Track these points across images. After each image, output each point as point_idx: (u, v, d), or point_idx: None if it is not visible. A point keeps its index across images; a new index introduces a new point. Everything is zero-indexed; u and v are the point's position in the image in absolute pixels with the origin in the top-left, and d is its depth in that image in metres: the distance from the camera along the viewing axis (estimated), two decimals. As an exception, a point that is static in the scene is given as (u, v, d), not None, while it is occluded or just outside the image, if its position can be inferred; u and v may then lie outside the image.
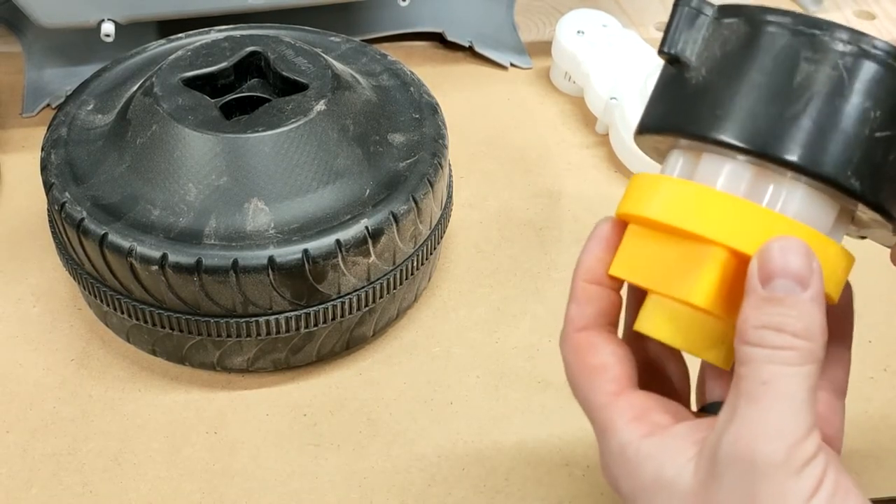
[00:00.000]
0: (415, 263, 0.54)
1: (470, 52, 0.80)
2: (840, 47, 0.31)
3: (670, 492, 0.31)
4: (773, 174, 0.32)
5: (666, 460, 0.31)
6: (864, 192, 0.31)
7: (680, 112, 0.33)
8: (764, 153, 0.31)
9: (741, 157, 0.32)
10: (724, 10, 0.33)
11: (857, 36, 0.31)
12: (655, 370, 0.38)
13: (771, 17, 0.31)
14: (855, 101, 0.30)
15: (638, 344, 0.37)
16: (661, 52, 0.34)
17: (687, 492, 0.31)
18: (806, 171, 0.31)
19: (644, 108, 0.36)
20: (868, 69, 0.30)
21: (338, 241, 0.48)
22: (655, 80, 0.35)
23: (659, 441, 0.32)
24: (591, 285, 0.35)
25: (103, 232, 0.48)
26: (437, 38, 0.82)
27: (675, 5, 0.33)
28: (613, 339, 0.35)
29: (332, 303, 0.50)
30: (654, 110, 0.35)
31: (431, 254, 0.56)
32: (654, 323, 0.34)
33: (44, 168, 0.52)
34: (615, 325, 0.36)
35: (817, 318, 0.30)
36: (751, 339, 0.30)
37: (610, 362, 0.34)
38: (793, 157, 0.30)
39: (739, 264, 0.31)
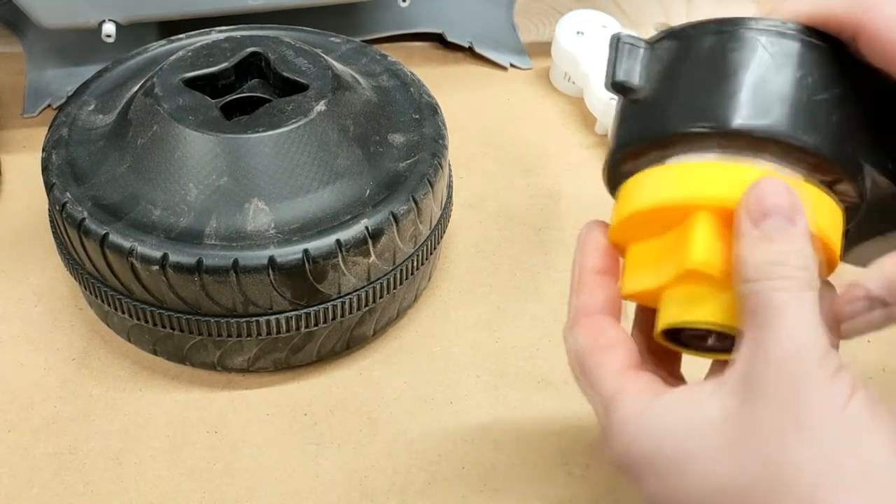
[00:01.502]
0: (415, 263, 0.54)
1: (470, 52, 0.80)
2: (759, 34, 0.33)
3: (698, 432, 0.31)
4: (736, 155, 0.33)
5: (685, 406, 0.32)
6: (819, 146, 0.32)
7: (636, 126, 0.36)
8: (718, 128, 0.33)
9: (701, 149, 0.34)
10: (655, 38, 0.36)
11: (770, 22, 0.33)
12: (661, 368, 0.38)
13: (694, 28, 0.35)
14: (787, 73, 0.33)
15: (646, 345, 0.38)
16: (607, 86, 0.37)
17: (717, 424, 0.31)
18: (759, 131, 0.32)
19: (608, 151, 0.38)
20: (788, 45, 0.33)
21: (338, 241, 0.48)
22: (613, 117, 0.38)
23: (671, 396, 0.33)
24: (597, 275, 0.36)
25: (104, 232, 0.48)
26: (437, 39, 0.82)
27: (612, 43, 0.36)
28: (620, 326, 0.36)
29: (332, 303, 0.50)
30: (616, 137, 0.37)
31: (431, 254, 0.56)
32: (670, 313, 0.34)
33: (45, 168, 0.53)
34: (618, 315, 0.37)
35: (809, 249, 0.31)
36: (754, 275, 0.31)
37: (618, 342, 0.35)
38: (745, 121, 0.32)
39: (727, 220, 0.33)
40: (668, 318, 0.35)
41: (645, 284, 0.35)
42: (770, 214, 0.31)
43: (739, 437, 0.30)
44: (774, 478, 0.29)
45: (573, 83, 0.76)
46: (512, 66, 0.80)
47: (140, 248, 0.47)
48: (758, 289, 0.31)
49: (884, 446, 0.29)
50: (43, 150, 0.54)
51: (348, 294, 0.51)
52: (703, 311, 0.34)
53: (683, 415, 0.32)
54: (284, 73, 0.54)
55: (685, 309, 0.34)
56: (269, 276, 0.47)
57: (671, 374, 0.38)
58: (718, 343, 0.35)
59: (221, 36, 0.58)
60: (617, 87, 0.36)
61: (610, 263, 0.37)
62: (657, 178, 0.35)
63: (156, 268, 0.47)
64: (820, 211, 0.33)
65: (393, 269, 0.52)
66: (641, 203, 0.35)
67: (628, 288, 0.36)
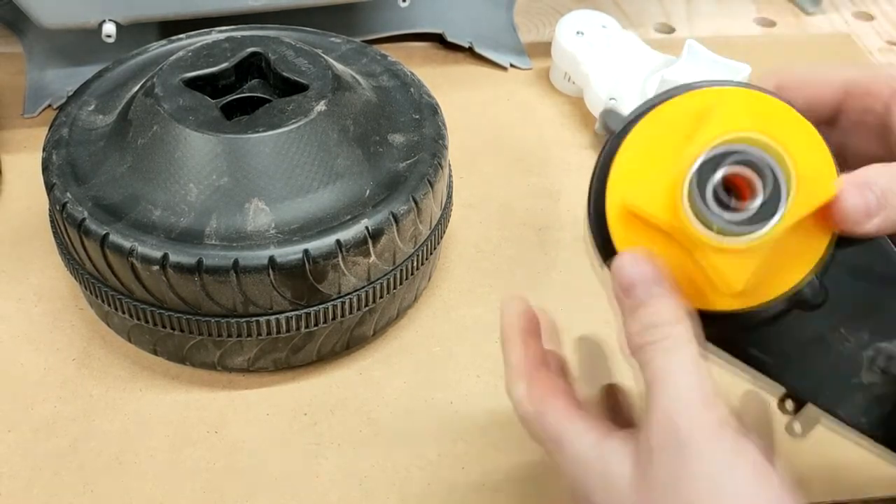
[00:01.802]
0: (415, 263, 0.54)
1: (470, 52, 0.80)
2: None
3: (618, 490, 0.33)
4: None
5: (612, 457, 0.34)
6: None
7: None
8: None
9: None
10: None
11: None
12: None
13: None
14: None
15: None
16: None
17: (627, 487, 0.33)
18: None
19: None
20: None
21: (338, 242, 0.48)
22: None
23: (607, 444, 0.34)
24: (522, 334, 0.39)
25: (104, 232, 0.48)
26: (437, 39, 0.82)
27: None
28: (552, 375, 0.39)
29: (332, 303, 0.50)
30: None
31: (431, 254, 0.56)
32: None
33: (45, 168, 0.53)
34: (546, 366, 0.39)
35: (674, 306, 0.33)
36: (637, 341, 0.34)
37: (558, 385, 0.38)
38: None
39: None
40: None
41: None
42: (633, 284, 0.34)
43: (642, 496, 0.32)
44: None
45: (573, 83, 0.76)
46: (512, 66, 0.80)
47: (140, 249, 0.47)
48: (641, 356, 0.33)
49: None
50: (43, 150, 0.54)
51: (348, 294, 0.51)
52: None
53: (610, 469, 0.34)
54: (284, 74, 0.54)
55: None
56: (269, 276, 0.47)
57: (613, 411, 0.40)
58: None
59: (222, 36, 0.58)
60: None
61: (531, 325, 0.40)
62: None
63: (156, 268, 0.47)
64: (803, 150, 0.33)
65: (393, 269, 0.52)
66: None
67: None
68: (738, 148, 0.32)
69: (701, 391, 0.32)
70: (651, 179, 0.34)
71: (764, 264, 0.33)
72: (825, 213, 0.33)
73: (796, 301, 0.35)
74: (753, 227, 0.32)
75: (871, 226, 0.33)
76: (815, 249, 0.34)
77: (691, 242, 0.33)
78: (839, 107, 0.38)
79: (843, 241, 0.34)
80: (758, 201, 0.32)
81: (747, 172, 0.32)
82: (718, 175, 0.32)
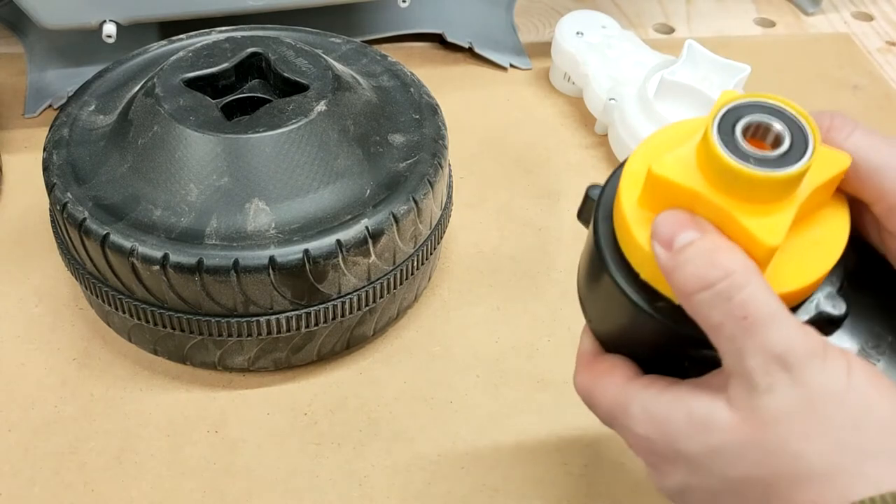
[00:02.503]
0: (415, 263, 0.54)
1: (470, 53, 0.81)
2: None
3: (719, 429, 0.32)
4: None
5: (693, 400, 0.33)
6: None
7: None
8: None
9: None
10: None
11: None
12: None
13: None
14: None
15: None
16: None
17: (731, 424, 0.31)
18: None
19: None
20: None
21: (338, 242, 0.48)
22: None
23: (679, 388, 0.33)
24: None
25: (105, 232, 0.48)
26: (437, 40, 0.82)
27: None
28: (610, 355, 0.38)
29: (332, 302, 0.51)
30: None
31: (431, 254, 0.56)
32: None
33: (46, 168, 0.53)
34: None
35: (727, 248, 0.31)
36: (692, 288, 0.31)
37: (613, 365, 0.37)
38: None
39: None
40: None
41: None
42: (678, 234, 0.32)
43: (755, 435, 0.31)
44: (793, 467, 0.30)
45: (573, 83, 0.76)
46: (512, 66, 0.80)
47: (141, 249, 0.47)
48: (702, 303, 0.31)
49: (893, 412, 0.30)
50: (44, 150, 0.54)
51: (348, 294, 0.51)
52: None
53: (696, 410, 0.32)
54: (285, 74, 0.54)
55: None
56: (269, 275, 0.48)
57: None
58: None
59: (222, 36, 0.58)
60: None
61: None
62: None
63: (156, 268, 0.47)
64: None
65: (393, 269, 0.52)
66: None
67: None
68: (759, 101, 0.32)
69: (799, 331, 0.30)
70: (672, 152, 0.33)
71: (794, 239, 0.32)
72: (840, 194, 0.33)
73: (820, 318, 0.33)
74: (784, 168, 0.30)
75: None
76: (833, 247, 0.33)
77: (726, 192, 0.31)
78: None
79: (848, 258, 0.33)
80: (784, 146, 0.31)
81: (770, 120, 0.31)
82: (744, 120, 0.31)
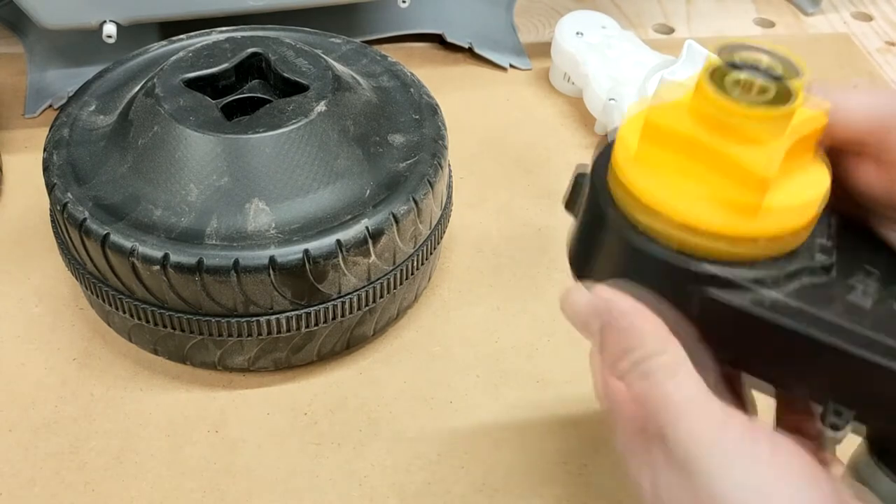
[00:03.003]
0: (415, 263, 0.54)
1: (469, 53, 0.81)
2: None
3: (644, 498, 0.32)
4: None
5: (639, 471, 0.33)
6: None
7: None
8: None
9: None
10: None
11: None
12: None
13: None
14: None
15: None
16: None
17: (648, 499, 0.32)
18: None
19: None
20: None
21: (338, 242, 0.48)
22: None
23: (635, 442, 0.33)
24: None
25: (105, 232, 0.48)
26: (437, 40, 0.82)
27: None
28: None
29: (332, 302, 0.51)
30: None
31: (431, 254, 0.56)
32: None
33: (46, 168, 0.53)
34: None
35: (659, 327, 0.32)
36: (617, 373, 0.32)
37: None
38: None
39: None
40: None
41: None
42: (587, 319, 0.32)
43: None
44: None
45: (572, 83, 0.76)
46: (511, 66, 0.80)
47: (141, 248, 0.47)
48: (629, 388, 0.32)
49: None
50: (44, 150, 0.54)
51: (348, 294, 0.51)
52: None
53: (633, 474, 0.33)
54: (285, 74, 0.54)
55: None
56: (269, 275, 0.48)
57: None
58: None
59: (222, 37, 0.58)
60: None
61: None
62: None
63: (157, 268, 0.47)
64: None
65: (393, 269, 0.53)
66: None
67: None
68: (749, 46, 0.33)
69: (708, 410, 0.30)
70: (664, 104, 0.34)
71: (784, 177, 0.32)
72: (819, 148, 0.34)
73: (809, 265, 0.34)
74: (776, 106, 0.32)
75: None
76: (819, 195, 0.34)
77: (720, 133, 0.32)
78: (878, 136, 0.34)
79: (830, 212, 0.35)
80: (774, 90, 0.32)
81: (760, 55, 0.33)
82: (736, 56, 0.33)
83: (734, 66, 0.33)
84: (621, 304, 0.33)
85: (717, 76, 0.33)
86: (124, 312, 0.51)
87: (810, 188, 0.34)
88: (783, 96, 0.32)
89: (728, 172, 0.32)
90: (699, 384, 0.31)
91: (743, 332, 0.33)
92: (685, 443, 0.30)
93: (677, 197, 0.33)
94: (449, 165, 0.58)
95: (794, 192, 0.33)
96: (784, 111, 0.32)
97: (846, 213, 0.36)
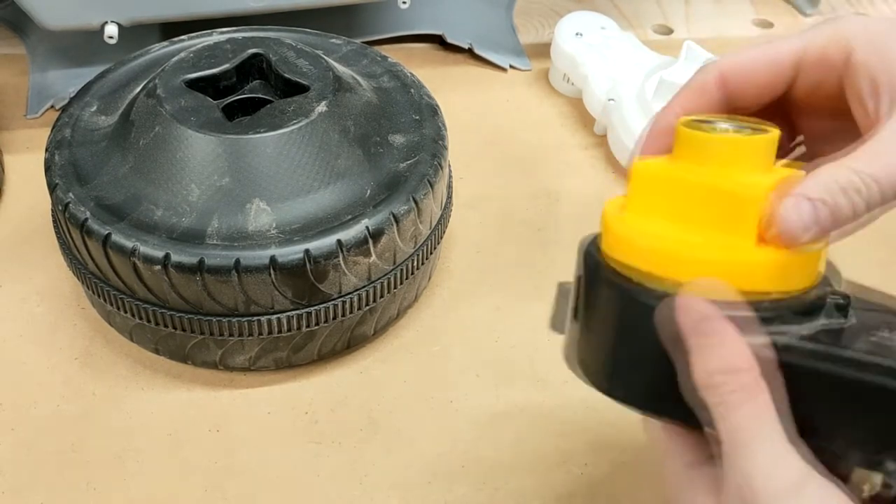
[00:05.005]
0: (415, 263, 0.54)
1: (469, 54, 0.81)
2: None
3: None
4: None
5: (698, 493, 0.32)
6: None
7: None
8: None
9: None
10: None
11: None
12: None
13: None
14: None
15: None
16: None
17: None
18: None
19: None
20: None
21: (339, 241, 0.49)
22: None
23: (697, 473, 0.33)
24: None
25: (107, 232, 0.48)
26: (437, 40, 0.82)
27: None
28: None
29: (333, 302, 0.51)
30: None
31: (431, 254, 0.56)
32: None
33: (48, 169, 0.53)
34: None
35: (745, 348, 0.31)
36: (704, 385, 0.31)
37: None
38: None
39: None
40: None
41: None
42: (699, 324, 0.31)
43: None
44: None
45: (572, 84, 0.76)
46: (511, 67, 0.81)
47: (142, 248, 0.48)
48: (712, 402, 0.31)
49: None
50: (46, 150, 0.54)
51: (349, 293, 0.51)
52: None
53: (697, 501, 0.33)
54: (286, 75, 0.54)
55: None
56: (270, 275, 0.48)
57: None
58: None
59: (223, 37, 0.58)
60: None
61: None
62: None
63: (158, 267, 0.48)
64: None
65: (393, 269, 0.53)
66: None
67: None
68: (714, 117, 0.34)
69: (773, 450, 0.30)
70: (649, 161, 0.34)
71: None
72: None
73: (824, 303, 0.33)
74: (757, 133, 0.32)
75: (806, 238, 0.31)
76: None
77: (701, 165, 0.32)
78: (792, 84, 0.36)
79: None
80: (749, 131, 0.33)
81: (731, 122, 0.33)
82: (710, 124, 0.33)
83: (705, 122, 0.34)
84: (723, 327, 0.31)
85: (692, 128, 0.33)
86: (126, 312, 0.51)
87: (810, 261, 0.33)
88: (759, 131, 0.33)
89: (718, 203, 0.32)
90: (772, 417, 0.30)
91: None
92: (751, 478, 0.29)
93: (676, 244, 0.32)
94: (449, 165, 0.58)
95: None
96: (766, 137, 0.32)
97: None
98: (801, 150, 0.40)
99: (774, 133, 0.33)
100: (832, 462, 0.31)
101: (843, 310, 0.33)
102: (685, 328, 0.31)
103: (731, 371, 0.30)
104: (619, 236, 0.33)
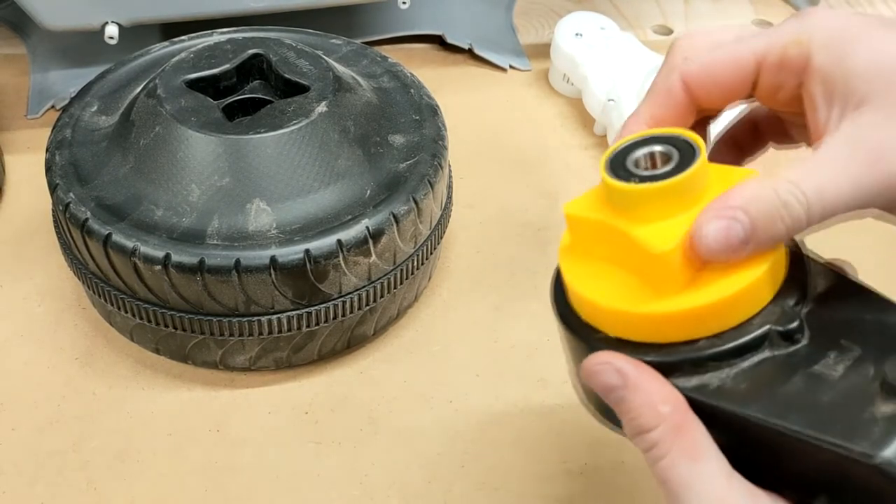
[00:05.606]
0: (415, 263, 0.54)
1: (469, 54, 0.81)
2: None
3: None
4: None
5: None
6: None
7: None
8: None
9: None
10: None
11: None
12: None
13: None
14: None
15: None
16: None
17: None
18: None
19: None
20: None
21: (339, 242, 0.49)
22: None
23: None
24: None
25: (107, 232, 0.48)
26: (437, 41, 0.82)
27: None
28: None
29: (333, 302, 0.51)
30: None
31: (431, 254, 0.56)
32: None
33: (48, 169, 0.53)
34: None
35: (655, 403, 0.31)
36: (631, 437, 0.32)
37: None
38: None
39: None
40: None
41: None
42: (607, 392, 0.32)
43: None
44: None
45: (572, 84, 0.77)
46: (511, 67, 0.81)
47: (143, 248, 0.48)
48: (644, 450, 0.31)
49: None
50: (46, 150, 0.54)
51: (349, 293, 0.51)
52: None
53: None
54: (286, 75, 0.54)
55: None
56: (270, 275, 0.48)
57: None
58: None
59: (223, 38, 0.58)
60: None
61: None
62: None
63: (158, 267, 0.48)
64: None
65: (393, 269, 0.53)
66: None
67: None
68: (651, 135, 0.34)
69: (711, 489, 0.30)
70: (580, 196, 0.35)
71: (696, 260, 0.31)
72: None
73: (770, 335, 0.31)
74: (668, 178, 0.31)
75: (730, 254, 0.31)
76: (766, 271, 0.31)
77: (624, 214, 0.32)
78: (753, 83, 0.35)
79: (798, 275, 0.33)
80: (673, 162, 0.32)
81: (662, 147, 0.33)
82: (637, 153, 0.33)
83: (635, 146, 0.33)
84: (634, 375, 0.31)
85: (620, 156, 0.33)
86: (126, 312, 0.51)
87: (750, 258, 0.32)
88: (686, 162, 0.32)
89: (629, 250, 0.32)
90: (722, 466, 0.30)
91: (709, 422, 0.31)
92: None
93: (602, 287, 0.33)
94: (449, 165, 0.58)
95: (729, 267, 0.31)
96: (676, 181, 0.31)
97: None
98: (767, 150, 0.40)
99: (690, 172, 0.31)
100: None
101: (789, 337, 0.31)
102: (598, 390, 0.32)
103: (644, 431, 0.31)
104: (561, 276, 0.35)
